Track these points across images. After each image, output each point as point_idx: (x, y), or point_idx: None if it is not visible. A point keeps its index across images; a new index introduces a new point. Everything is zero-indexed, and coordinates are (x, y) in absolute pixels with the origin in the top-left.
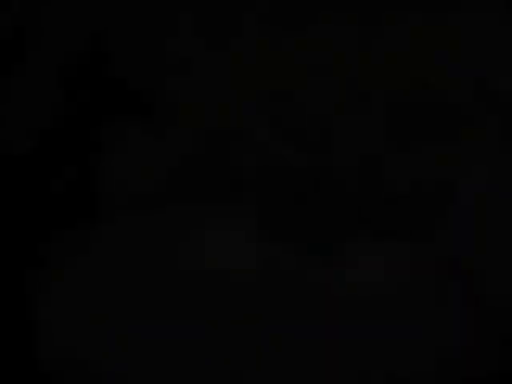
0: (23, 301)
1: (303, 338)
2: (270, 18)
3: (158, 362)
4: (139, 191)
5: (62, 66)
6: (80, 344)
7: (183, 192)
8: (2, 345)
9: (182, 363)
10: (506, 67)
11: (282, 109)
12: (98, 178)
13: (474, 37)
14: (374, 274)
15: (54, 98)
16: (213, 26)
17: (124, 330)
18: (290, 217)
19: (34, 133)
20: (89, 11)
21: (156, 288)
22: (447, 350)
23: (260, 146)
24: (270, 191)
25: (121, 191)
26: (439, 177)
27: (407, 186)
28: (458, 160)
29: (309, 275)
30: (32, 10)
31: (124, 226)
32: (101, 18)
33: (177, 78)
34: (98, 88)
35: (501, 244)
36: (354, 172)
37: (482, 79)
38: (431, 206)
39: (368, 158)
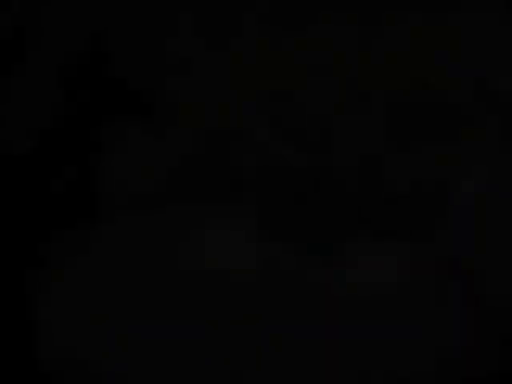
0: (23, 301)
1: (303, 338)
2: (269, 18)
3: (157, 361)
4: (139, 191)
5: (62, 66)
6: (80, 344)
7: (183, 192)
8: (2, 345)
9: (182, 363)
10: (506, 67)
11: (282, 109)
12: (98, 178)
13: (474, 37)
14: (374, 274)
15: (54, 98)
16: (213, 26)
17: (124, 330)
18: (289, 217)
19: (34, 133)
20: (89, 11)
21: (156, 288)
22: (447, 350)
23: (260, 146)
24: (270, 191)
25: (121, 191)
26: (439, 177)
27: (407, 186)
28: (458, 160)
29: (309, 275)
30: (32, 10)
31: (124, 226)
32: (101, 18)
33: (177, 78)
34: (97, 88)
35: (501, 244)
36: (354, 172)
37: (482, 79)
38: (431, 206)
39: (368, 157)
